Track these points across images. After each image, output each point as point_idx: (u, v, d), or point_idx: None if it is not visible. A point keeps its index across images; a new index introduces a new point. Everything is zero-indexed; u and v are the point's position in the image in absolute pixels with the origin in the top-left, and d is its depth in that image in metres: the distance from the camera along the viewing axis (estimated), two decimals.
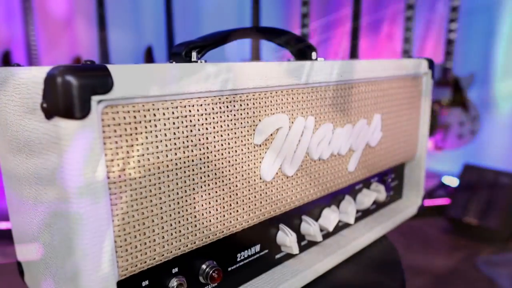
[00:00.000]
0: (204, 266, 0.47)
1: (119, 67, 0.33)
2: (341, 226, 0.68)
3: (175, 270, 0.44)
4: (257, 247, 0.54)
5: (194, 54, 0.51)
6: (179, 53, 0.51)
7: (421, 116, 0.78)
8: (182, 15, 2.38)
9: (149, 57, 2.28)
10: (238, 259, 0.52)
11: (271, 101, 0.48)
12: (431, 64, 0.76)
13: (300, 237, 0.60)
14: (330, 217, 0.62)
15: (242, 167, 0.46)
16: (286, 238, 0.55)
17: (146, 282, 0.42)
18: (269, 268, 0.56)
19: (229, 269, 0.51)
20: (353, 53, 2.15)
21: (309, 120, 0.53)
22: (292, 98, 0.50)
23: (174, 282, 0.44)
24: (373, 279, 0.61)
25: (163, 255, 0.40)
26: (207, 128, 0.41)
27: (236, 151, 0.45)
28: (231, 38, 0.58)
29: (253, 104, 0.46)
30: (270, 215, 0.51)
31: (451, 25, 2.23)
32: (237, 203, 0.46)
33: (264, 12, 2.28)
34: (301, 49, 0.68)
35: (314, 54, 0.68)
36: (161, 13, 2.28)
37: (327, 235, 0.65)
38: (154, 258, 0.39)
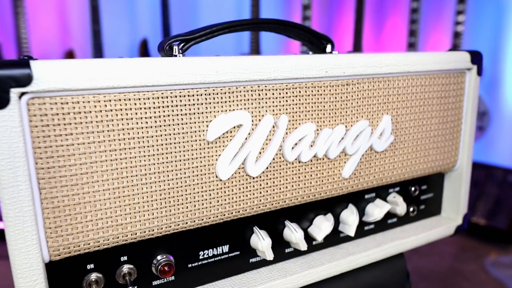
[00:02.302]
0: (158, 259, 0.50)
1: (42, 62, 0.38)
2: (343, 238, 0.65)
3: (124, 258, 0.48)
4: (225, 248, 0.55)
5: (175, 48, 0.54)
6: (162, 47, 0.54)
7: (462, 120, 0.69)
8: (179, 6, 2.37)
9: (144, 50, 2.27)
10: (201, 257, 0.53)
11: (229, 97, 0.48)
12: (476, 57, 0.67)
13: (285, 244, 0.59)
14: (320, 226, 0.59)
15: (193, 163, 0.47)
16: (258, 242, 0.55)
17: (91, 266, 0.46)
18: (242, 271, 0.57)
19: (190, 265, 0.53)
20: (357, 47, 2.01)
21: (282, 119, 0.51)
22: (259, 95, 0.50)
23: (122, 270, 0.48)
24: None
25: (99, 241, 0.44)
26: (147, 122, 0.44)
27: (184, 146, 0.46)
28: (222, 32, 0.59)
29: (205, 99, 0.47)
30: (232, 216, 0.52)
31: (458, 17, 2.17)
32: (187, 199, 0.48)
33: (264, 3, 2.21)
34: (313, 42, 0.66)
35: (329, 47, 0.65)
36: (157, 5, 2.27)
37: (321, 245, 0.63)
38: (89, 244, 0.44)
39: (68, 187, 0.41)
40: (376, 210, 0.64)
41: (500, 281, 1.59)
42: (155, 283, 0.51)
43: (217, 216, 0.50)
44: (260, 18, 0.62)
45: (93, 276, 0.46)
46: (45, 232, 0.41)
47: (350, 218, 0.62)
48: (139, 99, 0.43)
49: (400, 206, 0.66)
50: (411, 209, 0.71)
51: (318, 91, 0.54)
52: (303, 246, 0.57)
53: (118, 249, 0.47)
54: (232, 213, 0.51)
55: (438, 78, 0.64)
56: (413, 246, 0.67)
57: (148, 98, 0.43)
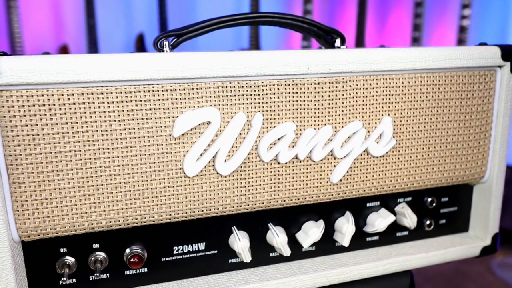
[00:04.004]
0: (130, 249, 0.53)
1: (7, 58, 0.42)
2: (339, 247, 0.62)
3: (96, 245, 0.52)
4: (201, 245, 0.56)
5: (166, 43, 0.56)
6: (155, 42, 0.57)
7: (492, 125, 0.62)
8: (177, 0, 2.28)
9: (140, 45, 2.21)
10: (175, 252, 0.55)
11: (197, 93, 0.49)
12: (508, 53, 0.59)
13: (270, 248, 0.59)
14: (308, 232, 0.58)
15: (159, 158, 0.49)
16: (234, 243, 0.55)
17: (64, 250, 0.51)
18: (220, 271, 0.57)
19: (163, 259, 0.55)
20: (359, 42, 1.88)
21: (256, 118, 0.51)
22: (231, 91, 0.50)
23: (93, 256, 0.52)
24: None
25: (65, 227, 0.48)
26: (110, 116, 0.46)
27: (149, 141, 0.48)
28: (216, 27, 0.60)
29: (171, 95, 0.48)
30: (204, 213, 0.52)
31: (464, 11, 2.13)
32: (153, 193, 0.50)
33: None
34: (320, 36, 0.64)
35: (338, 41, 0.63)
36: None
37: (313, 253, 0.61)
38: (56, 228, 0.48)
39: (34, 174, 0.46)
40: (378, 221, 0.60)
41: (506, 282, 1.57)
42: (127, 272, 0.54)
43: (186, 213, 0.52)
44: (256, 12, 0.62)
45: (66, 259, 0.51)
46: (14, 214, 0.46)
47: (344, 226, 0.59)
48: (102, 93, 0.46)
49: (408, 218, 0.61)
50: (427, 222, 0.65)
51: (300, 88, 0.52)
52: (286, 252, 0.56)
53: (90, 236, 0.51)
54: (202, 210, 0.52)
55: (457, 76, 0.58)
56: (421, 264, 0.62)
57: (111, 93, 0.46)
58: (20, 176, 0.45)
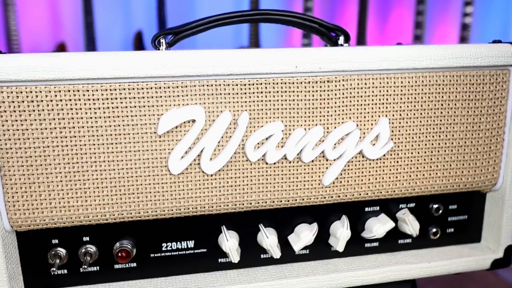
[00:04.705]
0: (117, 244, 0.54)
1: None
2: (334, 252, 0.60)
3: (86, 238, 0.54)
4: (190, 243, 0.56)
5: (163, 41, 0.57)
6: (153, 40, 0.58)
7: (506, 129, 0.58)
8: None
9: (139, 43, 2.17)
10: (164, 249, 0.56)
11: (182, 91, 0.49)
12: None
13: (262, 249, 0.58)
14: (300, 235, 0.57)
15: (144, 155, 0.50)
16: (223, 243, 0.55)
17: (56, 241, 0.53)
18: (209, 269, 0.58)
19: (152, 255, 0.56)
20: (360, 39, 1.84)
21: (242, 117, 0.50)
22: (216, 90, 0.50)
23: (83, 249, 0.53)
24: None
25: (53, 219, 0.50)
26: (95, 113, 0.48)
27: (134, 138, 0.49)
28: (214, 25, 0.60)
29: (155, 93, 0.49)
30: (190, 211, 0.53)
31: (466, 8, 2.13)
32: (138, 189, 0.51)
33: None
34: (323, 33, 0.63)
35: (341, 39, 0.62)
36: None
37: (307, 256, 0.60)
38: (45, 220, 0.50)
39: (24, 167, 0.48)
40: (376, 226, 0.58)
41: (510, 283, 1.54)
42: (117, 266, 0.55)
43: (172, 210, 0.52)
44: (254, 9, 0.61)
45: (57, 250, 0.53)
46: (5, 205, 0.48)
47: (339, 231, 0.57)
48: (88, 90, 0.47)
49: (409, 225, 0.59)
50: (433, 230, 0.62)
51: (289, 87, 0.51)
52: (276, 254, 0.55)
53: (80, 229, 0.53)
54: (188, 208, 0.52)
55: (463, 76, 0.55)
56: (421, 275, 0.59)
57: (97, 90, 0.47)
58: (10, 168, 0.48)
